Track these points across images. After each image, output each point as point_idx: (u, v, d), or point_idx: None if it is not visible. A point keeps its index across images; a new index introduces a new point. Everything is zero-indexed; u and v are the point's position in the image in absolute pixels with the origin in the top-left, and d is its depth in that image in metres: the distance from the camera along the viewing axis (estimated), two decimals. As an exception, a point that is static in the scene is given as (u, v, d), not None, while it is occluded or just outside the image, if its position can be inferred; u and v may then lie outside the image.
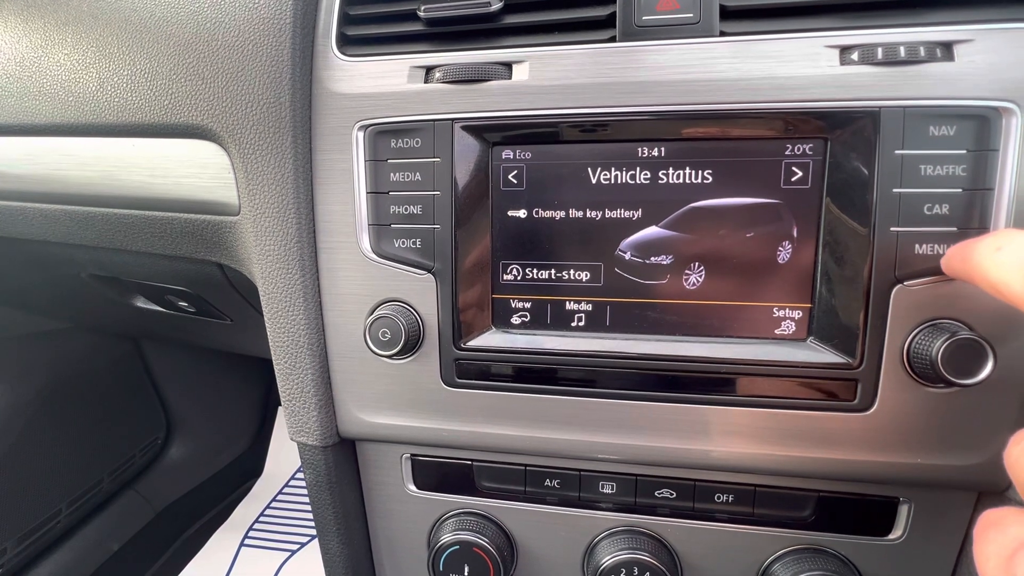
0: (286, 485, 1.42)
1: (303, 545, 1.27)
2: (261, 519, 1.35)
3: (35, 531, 1.03)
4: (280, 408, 1.49)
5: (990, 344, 0.30)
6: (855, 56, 0.33)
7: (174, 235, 0.47)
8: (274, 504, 1.38)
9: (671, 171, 0.35)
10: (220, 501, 1.37)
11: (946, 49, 0.32)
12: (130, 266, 0.57)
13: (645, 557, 0.39)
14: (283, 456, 1.47)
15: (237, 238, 0.43)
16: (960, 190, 0.32)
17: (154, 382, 1.27)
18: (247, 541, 1.29)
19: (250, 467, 1.44)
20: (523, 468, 0.43)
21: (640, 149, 0.36)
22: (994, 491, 0.35)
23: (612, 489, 0.41)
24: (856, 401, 0.34)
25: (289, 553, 1.24)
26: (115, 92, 0.43)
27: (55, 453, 1.06)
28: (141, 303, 0.66)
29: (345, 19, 0.40)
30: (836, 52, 0.33)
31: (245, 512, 1.37)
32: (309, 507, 1.26)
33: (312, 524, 1.30)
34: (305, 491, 1.41)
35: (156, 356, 1.25)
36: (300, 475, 1.44)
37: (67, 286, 0.71)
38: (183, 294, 0.60)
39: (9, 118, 0.48)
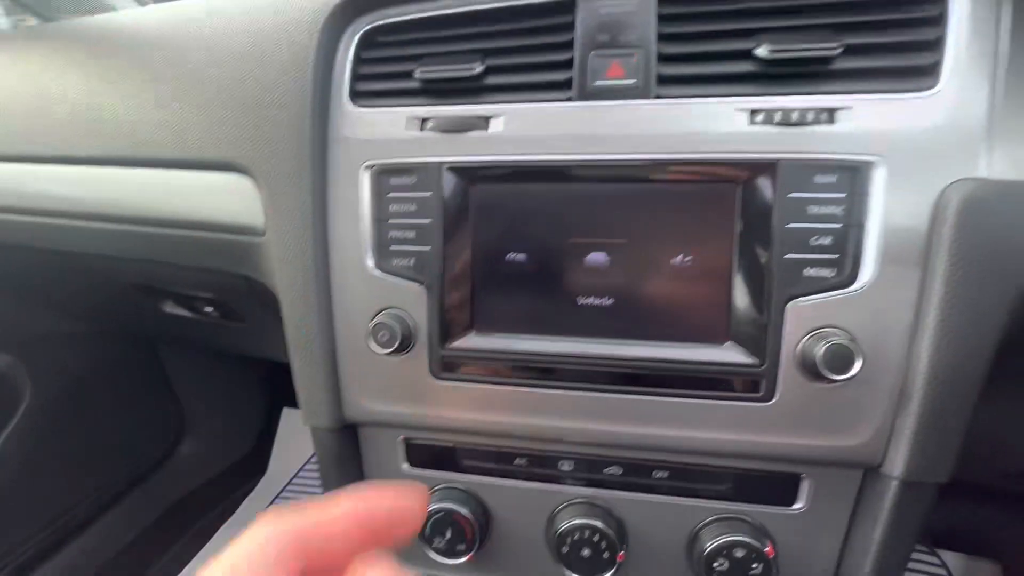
0: (290, 482, 1.48)
1: (307, 538, 1.34)
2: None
3: (57, 519, 1.09)
4: (284, 409, 1.56)
5: (857, 348, 0.38)
6: (760, 118, 0.41)
7: (207, 251, 0.56)
8: (278, 500, 1.45)
9: (617, 206, 0.44)
10: (227, 497, 1.42)
11: (829, 114, 0.40)
12: (168, 277, 0.66)
13: (595, 523, 0.47)
14: (287, 455, 1.52)
15: (262, 255, 0.51)
16: (839, 225, 0.40)
17: (168, 384, 1.34)
18: (253, 534, 1.36)
19: (256, 465, 1.50)
20: (496, 449, 0.51)
21: (592, 187, 0.44)
22: (872, 467, 0.42)
23: (570, 467, 0.49)
24: (761, 394, 0.42)
25: None
26: (168, 134, 0.52)
27: (77, 448, 1.12)
28: (170, 308, 0.74)
29: (356, 77, 0.49)
30: (746, 114, 0.41)
31: (251, 507, 1.43)
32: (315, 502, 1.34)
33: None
34: (308, 488, 1.48)
35: (171, 360, 1.32)
36: (304, 473, 1.50)
37: (106, 293, 0.79)
38: (210, 301, 0.68)
39: (77, 151, 0.56)
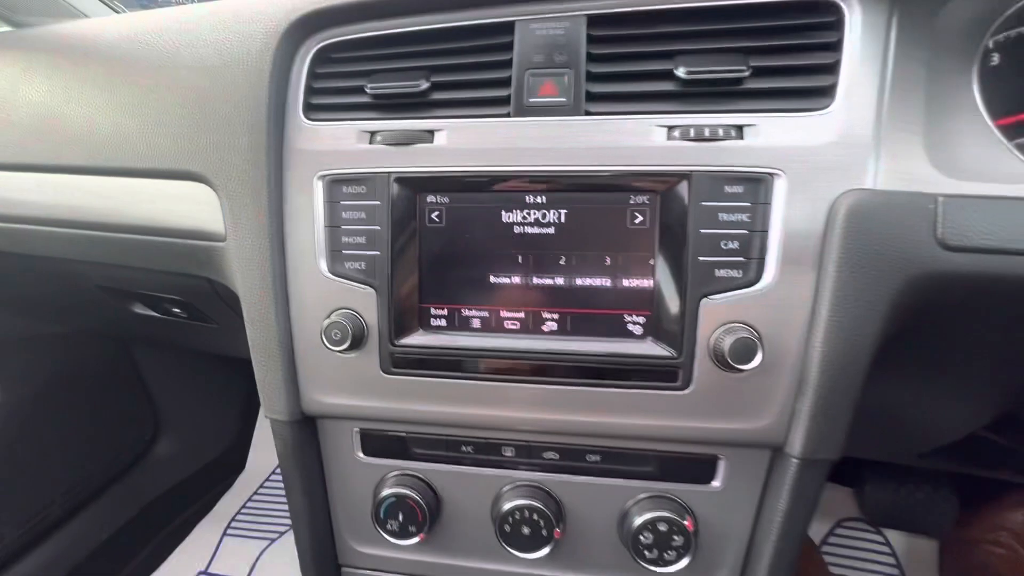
0: (267, 480, 1.50)
1: (282, 534, 1.35)
2: (243, 511, 1.43)
3: (31, 519, 1.10)
4: (261, 409, 1.57)
5: (759, 340, 0.43)
6: (676, 134, 0.45)
7: (172, 255, 0.58)
8: (255, 497, 1.46)
9: (551, 214, 0.47)
10: (204, 494, 1.43)
11: (738, 130, 0.45)
12: (133, 279, 0.68)
13: (535, 503, 0.51)
14: (264, 453, 1.54)
15: (223, 259, 0.54)
16: (745, 231, 0.44)
17: (143, 383, 1.34)
18: (229, 531, 1.37)
19: (233, 463, 1.51)
20: (444, 437, 0.54)
21: (527, 197, 0.47)
22: (777, 447, 0.47)
23: (512, 453, 0.53)
24: (679, 383, 0.46)
25: (269, 541, 1.32)
26: (130, 144, 0.54)
27: (51, 448, 1.13)
28: (139, 309, 0.76)
29: (309, 91, 0.52)
30: (664, 130, 0.46)
31: (228, 504, 1.44)
32: (290, 516, 1.36)
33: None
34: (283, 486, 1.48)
35: (145, 360, 1.32)
36: (280, 472, 1.53)
37: (76, 296, 0.80)
38: (177, 302, 0.70)
39: (42, 159, 0.59)
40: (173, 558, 1.32)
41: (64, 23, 0.72)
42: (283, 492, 1.47)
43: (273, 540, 1.34)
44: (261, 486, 1.49)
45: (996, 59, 0.46)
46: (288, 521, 1.38)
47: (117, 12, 0.95)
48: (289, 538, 1.33)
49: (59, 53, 0.62)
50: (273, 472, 1.52)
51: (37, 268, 0.73)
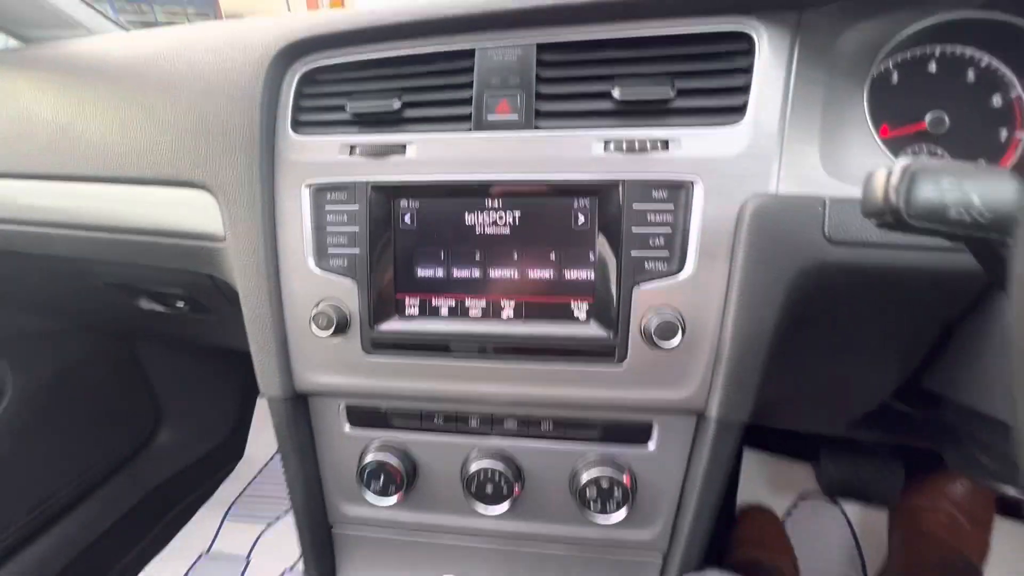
0: (265, 466, 1.56)
1: (280, 517, 1.42)
2: (243, 496, 1.50)
3: (41, 504, 1.17)
4: (258, 399, 1.64)
5: (680, 322, 0.51)
6: (612, 147, 0.53)
7: (176, 255, 0.65)
8: (254, 483, 1.53)
9: (506, 216, 0.55)
10: (205, 481, 1.50)
11: (664, 144, 0.52)
12: (140, 276, 0.75)
13: (497, 465, 0.60)
14: (262, 441, 1.60)
15: (223, 258, 0.61)
16: (670, 229, 0.52)
17: (144, 376, 1.41)
18: (230, 515, 1.44)
19: (232, 451, 1.58)
20: (419, 409, 0.62)
21: (486, 201, 0.55)
22: (699, 412, 0.55)
23: (477, 422, 0.61)
24: (614, 358, 0.54)
25: (267, 523, 1.39)
26: (139, 156, 0.61)
27: (58, 438, 1.20)
28: (145, 304, 0.84)
29: (296, 109, 0.59)
30: (602, 143, 0.53)
31: (228, 490, 1.51)
32: (286, 484, 1.46)
33: (287, 498, 1.46)
34: (281, 471, 1.56)
35: (146, 353, 1.39)
36: (279, 457, 1.60)
37: (85, 294, 0.87)
38: (180, 296, 0.78)
39: (59, 170, 0.65)
40: (177, 541, 1.38)
41: (71, 41, 0.79)
42: (280, 478, 1.55)
43: (271, 523, 1.41)
44: (259, 472, 1.56)
45: (888, 79, 0.54)
46: (285, 504, 1.45)
47: (115, 23, 1.01)
48: (286, 520, 1.41)
49: (71, 74, 0.68)
50: (271, 459, 1.59)
51: (51, 268, 0.80)
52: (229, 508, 1.46)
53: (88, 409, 1.26)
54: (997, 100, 0.53)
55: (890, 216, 0.30)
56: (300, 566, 1.29)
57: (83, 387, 1.25)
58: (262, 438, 1.62)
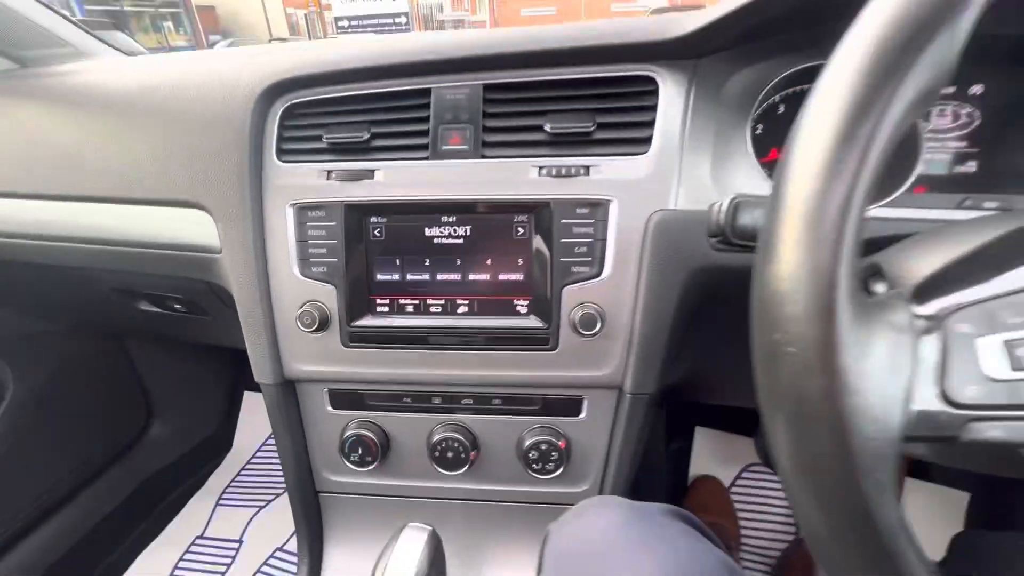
0: (253, 456, 1.64)
1: (269, 502, 1.52)
2: (233, 484, 1.59)
3: (40, 496, 1.24)
4: (245, 393, 1.73)
5: (600, 315, 0.63)
6: (544, 172, 0.63)
7: (177, 264, 0.75)
8: (243, 472, 1.62)
9: (459, 229, 0.65)
10: (197, 471, 1.59)
11: (586, 169, 0.63)
12: (143, 283, 0.85)
13: (456, 435, 0.71)
14: (250, 432, 1.69)
15: (219, 267, 0.69)
16: (591, 239, 0.63)
17: (136, 373, 1.49)
18: (221, 502, 1.53)
19: (221, 443, 1.66)
20: (390, 391, 0.73)
21: (442, 217, 0.65)
22: (618, 387, 0.68)
23: (439, 400, 0.73)
24: (549, 345, 0.65)
25: (257, 508, 1.49)
26: (142, 180, 0.70)
27: (56, 434, 1.27)
28: (145, 307, 0.93)
29: (280, 139, 0.68)
30: (536, 169, 0.63)
31: (219, 479, 1.60)
32: (273, 472, 1.57)
33: (275, 484, 1.56)
34: (268, 460, 1.66)
35: (137, 351, 1.47)
36: (264, 448, 1.68)
37: (87, 298, 0.96)
38: (179, 300, 0.87)
39: (63, 190, 0.74)
40: (171, 527, 1.47)
41: (71, 69, 0.86)
42: (267, 467, 1.65)
43: (261, 507, 1.50)
44: (248, 462, 1.65)
45: (776, 110, 0.66)
46: (273, 491, 1.55)
47: (98, 39, 1.08)
48: (275, 504, 1.51)
49: (76, 103, 0.77)
50: (258, 449, 1.68)
51: (57, 276, 0.88)
52: (220, 495, 1.55)
53: (83, 405, 1.34)
54: None
55: (721, 237, 0.42)
56: (290, 544, 1.40)
57: (78, 384, 1.33)
58: (249, 430, 1.71)
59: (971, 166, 0.63)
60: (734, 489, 1.43)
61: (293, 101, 0.68)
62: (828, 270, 0.27)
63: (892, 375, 0.29)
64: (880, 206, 0.63)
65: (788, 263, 0.27)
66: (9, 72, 0.94)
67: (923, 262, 0.38)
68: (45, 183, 0.75)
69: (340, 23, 13.32)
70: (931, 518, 1.27)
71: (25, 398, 1.19)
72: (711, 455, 1.49)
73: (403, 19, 13.12)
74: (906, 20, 0.25)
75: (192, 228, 0.70)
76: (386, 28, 12.97)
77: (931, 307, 0.31)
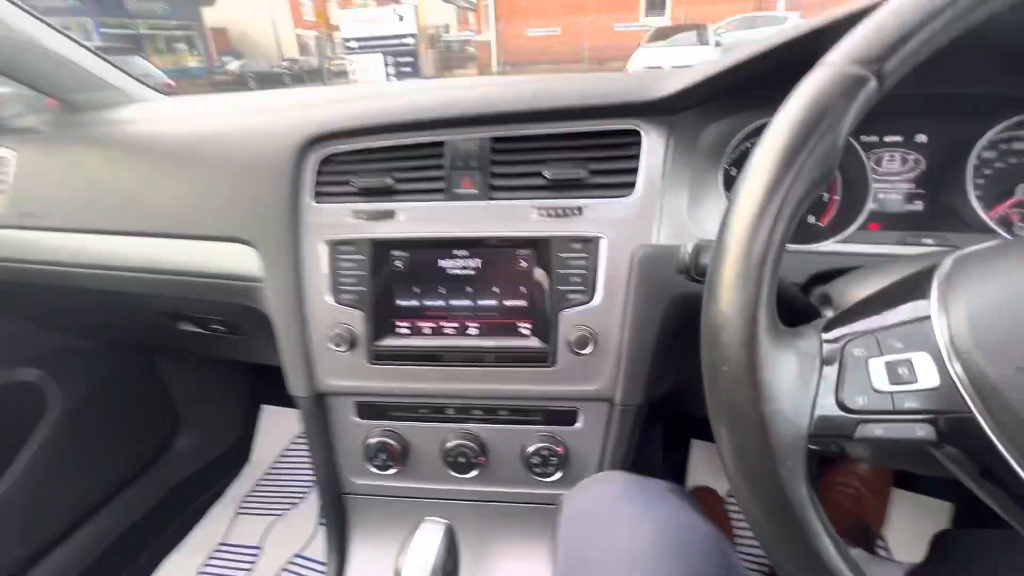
0: (271, 467, 1.73)
1: (287, 511, 1.59)
2: (252, 493, 1.68)
3: (78, 502, 1.34)
4: (264, 407, 1.82)
5: (593, 336, 0.72)
6: (544, 212, 0.73)
7: (222, 291, 0.85)
8: (262, 481, 1.70)
9: (470, 262, 0.75)
10: (217, 481, 1.67)
11: (580, 210, 0.72)
12: (187, 306, 0.95)
13: (467, 442, 0.80)
14: (268, 445, 1.78)
15: (260, 294, 0.78)
16: (584, 271, 0.72)
17: (164, 388, 1.59)
18: (240, 510, 1.61)
19: (241, 455, 1.75)
20: (409, 403, 0.82)
21: (454, 251, 0.71)
22: (610, 400, 0.77)
23: (453, 412, 0.82)
24: (548, 363, 0.73)
25: (276, 517, 1.57)
26: (195, 218, 0.81)
27: (92, 444, 1.37)
28: (185, 327, 1.03)
29: (316, 183, 0.79)
30: (536, 210, 0.73)
31: (238, 488, 1.69)
32: (291, 482, 1.66)
33: (291, 494, 1.64)
34: (285, 471, 1.74)
35: (165, 367, 1.58)
36: (281, 459, 1.77)
37: (133, 319, 1.07)
38: (219, 321, 0.98)
39: (124, 227, 0.85)
40: (194, 533, 1.55)
41: (125, 113, 0.97)
42: (284, 477, 1.73)
43: (279, 516, 1.58)
44: (265, 473, 1.73)
45: (748, 156, 0.76)
46: (290, 500, 1.63)
47: (140, 82, 1.20)
48: (292, 512, 1.59)
49: (134, 149, 0.87)
50: (275, 461, 1.77)
51: (109, 300, 0.99)
52: (240, 504, 1.63)
53: (117, 418, 1.44)
54: None
55: (686, 274, 0.52)
56: (308, 550, 1.48)
57: (113, 398, 1.43)
58: (267, 442, 1.80)
59: (918, 205, 0.73)
60: (730, 499, 1.49)
61: (328, 152, 0.78)
62: (751, 309, 0.36)
63: (802, 389, 0.38)
64: (836, 240, 0.72)
65: (723, 301, 0.37)
66: (64, 116, 1.05)
67: (850, 296, 0.48)
68: (108, 220, 0.86)
69: (349, 44, 13.63)
70: (915, 527, 1.34)
71: (68, 411, 1.29)
72: (707, 467, 1.57)
73: (410, 40, 13.41)
74: (797, 128, 0.35)
75: (236, 260, 0.81)
76: (393, 49, 13.26)
77: (835, 334, 0.40)
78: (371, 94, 0.84)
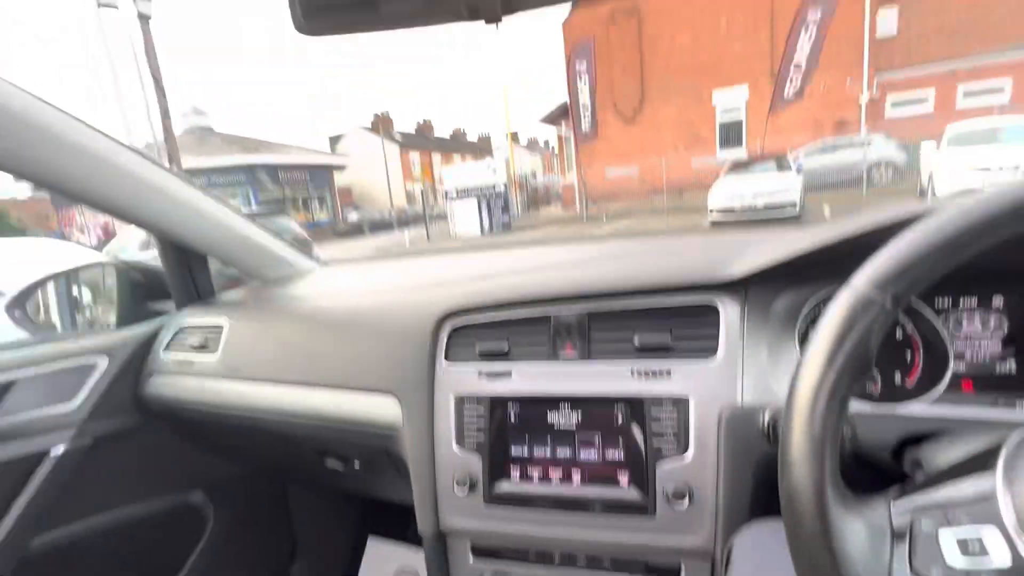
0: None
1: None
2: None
3: None
4: (370, 538, 1.92)
5: (689, 488, 0.79)
6: (637, 374, 0.86)
7: (366, 435, 1.04)
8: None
9: (573, 415, 0.88)
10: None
11: (668, 373, 0.84)
12: (335, 446, 1.15)
13: None
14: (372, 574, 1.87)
15: (399, 440, 0.95)
16: (676, 427, 0.81)
17: (289, 515, 1.77)
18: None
19: None
20: (518, 547, 0.91)
21: (560, 405, 0.88)
22: (711, 556, 0.80)
23: (558, 558, 0.88)
24: (648, 513, 0.81)
25: None
26: (351, 373, 1.03)
27: (232, 566, 1.53)
28: (331, 464, 1.23)
29: (447, 348, 0.99)
30: (630, 371, 0.86)
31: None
32: None
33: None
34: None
35: (293, 494, 1.77)
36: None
37: (288, 454, 1.29)
38: (358, 458, 1.16)
39: (303, 379, 1.10)
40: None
41: (301, 289, 1.29)
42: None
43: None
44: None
45: (811, 326, 0.85)
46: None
47: (308, 256, 1.55)
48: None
49: (310, 319, 1.16)
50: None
51: (271, 436, 1.22)
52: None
53: (252, 541, 1.62)
54: (899, 333, 0.82)
55: (766, 438, 0.61)
56: None
57: (251, 522, 1.62)
58: (372, 573, 1.87)
59: (1010, 366, 0.76)
60: None
61: (458, 324, 0.99)
62: (819, 484, 0.45)
63: (875, 559, 0.45)
64: (926, 402, 0.76)
65: (794, 476, 0.46)
66: (259, 292, 1.40)
67: (939, 461, 0.55)
68: (291, 374, 1.11)
69: (449, 194, 15.75)
70: None
71: (220, 532, 1.49)
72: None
73: (501, 187, 15.21)
74: (832, 338, 0.47)
75: (381, 409, 1.00)
76: (487, 196, 15.04)
77: (904, 505, 0.47)
78: (492, 272, 1.06)
